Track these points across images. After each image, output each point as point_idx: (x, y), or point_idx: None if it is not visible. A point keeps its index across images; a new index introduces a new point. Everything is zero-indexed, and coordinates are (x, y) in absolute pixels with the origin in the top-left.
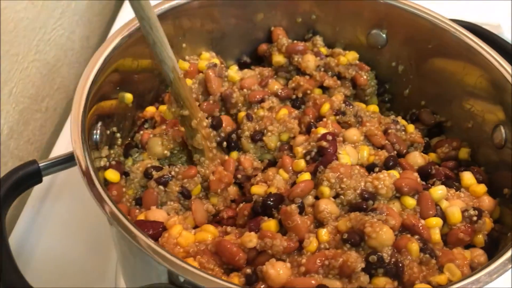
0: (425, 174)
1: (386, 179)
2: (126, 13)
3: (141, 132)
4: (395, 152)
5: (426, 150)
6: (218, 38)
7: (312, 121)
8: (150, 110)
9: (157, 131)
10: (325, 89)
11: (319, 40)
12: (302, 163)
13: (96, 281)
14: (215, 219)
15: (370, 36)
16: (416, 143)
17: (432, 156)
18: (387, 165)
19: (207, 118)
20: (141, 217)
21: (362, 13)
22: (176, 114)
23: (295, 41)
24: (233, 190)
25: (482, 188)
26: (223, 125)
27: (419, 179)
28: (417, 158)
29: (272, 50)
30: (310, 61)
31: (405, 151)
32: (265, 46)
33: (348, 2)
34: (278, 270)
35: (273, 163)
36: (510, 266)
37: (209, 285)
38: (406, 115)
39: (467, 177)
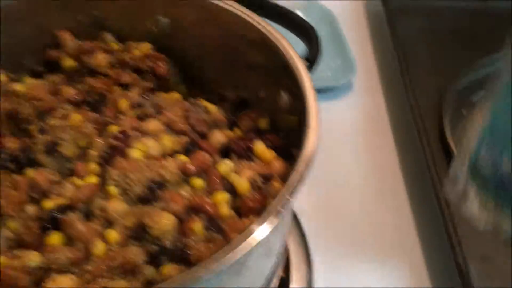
0: (227, 150)
1: (171, 165)
2: None
3: None
4: (197, 135)
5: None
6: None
7: (109, 120)
8: None
9: None
10: (127, 87)
11: (108, 36)
12: (92, 165)
13: None
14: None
15: (159, 24)
16: (219, 121)
17: (238, 132)
18: (187, 150)
19: None
20: None
21: (143, 2)
22: None
23: (84, 42)
24: (33, 209)
25: (269, 153)
26: (2, 145)
27: (208, 157)
28: (218, 136)
29: (61, 54)
30: (100, 59)
31: (208, 132)
32: (53, 52)
33: None
34: (59, 284)
35: None
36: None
37: None
38: (213, 96)
39: (258, 145)
